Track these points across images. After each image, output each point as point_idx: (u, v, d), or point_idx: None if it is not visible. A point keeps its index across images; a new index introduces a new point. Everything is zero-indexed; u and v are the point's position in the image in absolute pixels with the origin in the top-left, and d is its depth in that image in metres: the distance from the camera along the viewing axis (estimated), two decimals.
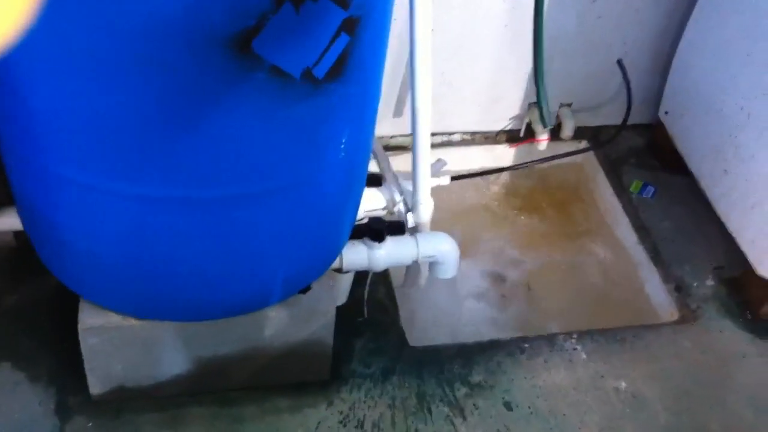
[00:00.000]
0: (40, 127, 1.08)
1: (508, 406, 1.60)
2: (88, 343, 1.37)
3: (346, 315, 1.65)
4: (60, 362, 1.54)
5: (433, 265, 1.65)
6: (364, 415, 1.55)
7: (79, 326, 1.35)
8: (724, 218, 1.91)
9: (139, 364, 1.44)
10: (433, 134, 2.10)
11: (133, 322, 1.36)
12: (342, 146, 1.22)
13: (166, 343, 1.41)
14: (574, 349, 1.73)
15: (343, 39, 1.05)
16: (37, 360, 1.55)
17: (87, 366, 1.42)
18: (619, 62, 2.09)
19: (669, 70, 2.08)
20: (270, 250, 1.28)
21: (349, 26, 1.05)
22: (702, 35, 1.96)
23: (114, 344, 1.39)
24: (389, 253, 1.56)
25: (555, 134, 2.18)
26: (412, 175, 1.62)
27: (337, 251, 1.48)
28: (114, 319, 1.36)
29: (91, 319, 1.35)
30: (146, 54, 0.95)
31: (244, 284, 1.31)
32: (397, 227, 1.63)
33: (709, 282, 1.91)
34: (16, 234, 1.64)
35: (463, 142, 2.19)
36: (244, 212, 1.17)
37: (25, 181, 1.21)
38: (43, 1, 0.88)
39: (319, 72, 1.06)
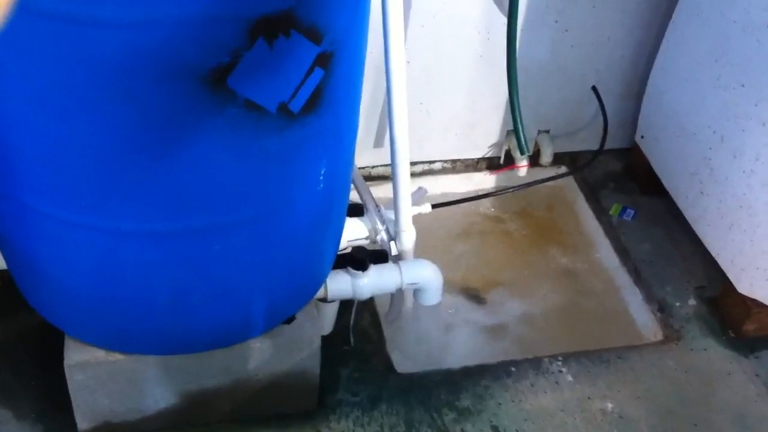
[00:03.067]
0: (12, 162, 1.09)
1: (495, 430, 1.61)
2: (74, 379, 1.38)
3: (332, 344, 1.66)
4: (46, 399, 1.55)
5: (417, 291, 1.67)
6: None
7: (65, 362, 1.36)
8: (703, 238, 1.94)
9: (125, 399, 1.44)
10: (413, 163, 2.14)
11: (117, 356, 1.37)
12: (320, 177, 1.24)
13: (151, 377, 1.41)
14: (560, 371, 1.74)
15: (318, 73, 1.08)
16: (23, 397, 1.56)
17: (74, 402, 1.42)
18: (594, 89, 2.13)
19: (643, 95, 2.12)
20: (249, 281, 1.29)
21: (323, 61, 1.08)
22: (673, 60, 2.00)
23: (100, 379, 1.39)
24: (373, 281, 1.58)
25: (534, 160, 2.21)
26: (393, 204, 1.64)
27: (320, 281, 1.50)
28: (99, 354, 1.36)
29: (76, 355, 1.36)
30: (120, 89, 0.97)
31: (225, 316, 1.32)
32: (381, 256, 1.65)
33: (691, 301, 1.93)
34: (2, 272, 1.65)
35: (443, 171, 2.22)
36: (220, 244, 1.19)
37: (2, 217, 1.22)
38: (14, 36, 0.91)
39: (295, 106, 1.08)
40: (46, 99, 0.99)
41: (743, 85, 1.77)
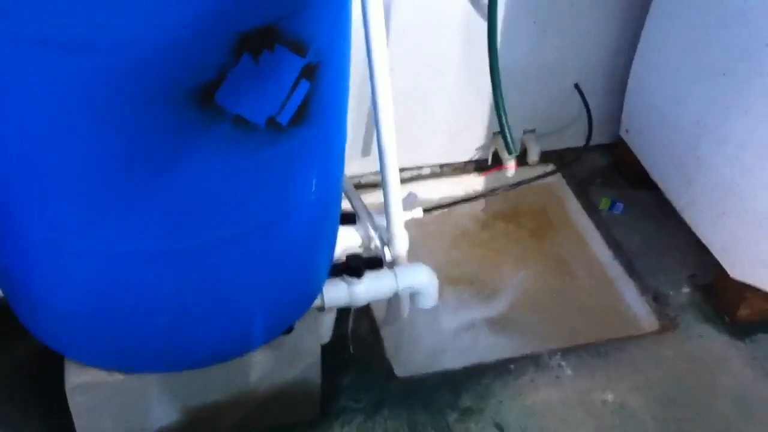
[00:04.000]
0: (6, 190, 1.09)
1: (499, 427, 1.62)
2: (76, 401, 1.38)
3: (331, 352, 1.66)
4: (49, 425, 1.54)
5: (413, 296, 1.68)
6: None
7: (66, 385, 1.36)
8: (693, 227, 1.95)
9: (128, 419, 1.44)
10: (402, 169, 2.14)
11: (118, 376, 1.37)
12: (312, 188, 1.25)
13: (154, 395, 1.42)
14: (560, 365, 1.76)
15: (304, 85, 1.09)
16: (26, 423, 1.56)
17: (76, 425, 1.42)
18: (576, 86, 2.16)
19: (625, 89, 2.14)
20: (248, 295, 1.30)
21: (309, 72, 1.09)
22: (653, 53, 2.02)
23: (102, 400, 1.39)
24: (369, 287, 1.58)
25: (522, 160, 2.23)
26: (385, 210, 1.65)
27: (317, 290, 1.51)
28: (100, 375, 1.36)
29: (77, 378, 1.36)
30: (107, 112, 0.97)
31: (224, 331, 1.33)
32: (375, 262, 1.66)
33: (685, 290, 1.95)
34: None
35: (432, 175, 2.23)
36: (218, 260, 1.19)
37: None
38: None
39: (283, 119, 1.09)
40: (32, 126, 0.99)
41: (724, 74, 1.79)
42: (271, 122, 1.08)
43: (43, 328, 1.35)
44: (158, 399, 1.42)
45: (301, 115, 1.11)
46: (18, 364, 1.65)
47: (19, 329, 1.40)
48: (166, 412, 1.46)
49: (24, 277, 1.25)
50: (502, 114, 1.94)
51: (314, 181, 1.25)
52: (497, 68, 1.89)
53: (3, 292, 1.39)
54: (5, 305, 1.41)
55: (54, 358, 1.40)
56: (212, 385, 1.44)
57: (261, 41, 1.00)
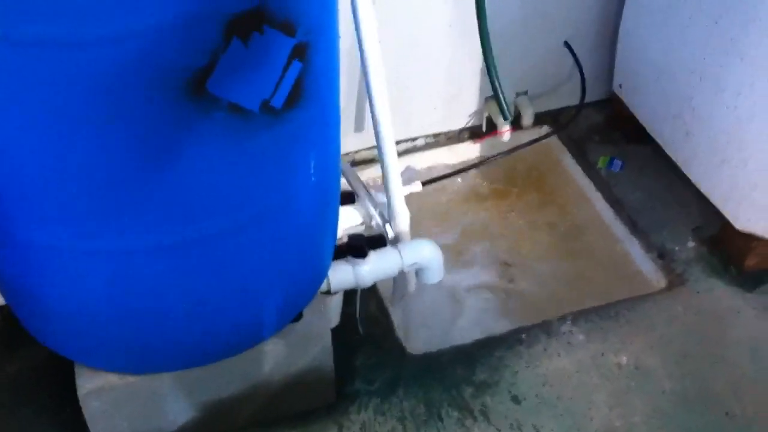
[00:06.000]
0: (3, 195, 1.07)
1: (515, 399, 1.61)
2: (90, 407, 1.36)
3: (341, 335, 1.65)
4: (63, 428, 1.52)
5: (419, 271, 1.66)
6: None
7: (79, 391, 1.34)
8: (694, 180, 1.93)
9: (144, 420, 1.42)
10: (397, 142, 2.12)
11: (131, 379, 1.35)
12: (311, 170, 1.22)
13: (168, 394, 1.40)
14: (571, 331, 1.74)
15: (296, 66, 1.06)
16: (41, 428, 1.53)
17: (92, 430, 1.40)
18: (566, 44, 2.12)
19: (616, 43, 2.11)
20: (255, 283, 1.27)
21: (300, 52, 1.06)
22: (642, 5, 1.99)
23: (116, 404, 1.37)
24: (374, 267, 1.56)
25: (516, 123, 2.20)
26: (384, 187, 1.62)
27: (322, 274, 1.48)
28: (112, 379, 1.34)
29: (89, 383, 1.34)
30: (103, 107, 0.94)
31: (235, 322, 1.31)
32: (379, 240, 1.64)
33: (690, 244, 1.93)
34: (1, 308, 1.62)
35: (427, 146, 2.20)
36: (221, 250, 1.17)
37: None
38: None
39: (277, 102, 1.06)
40: (30, 125, 0.97)
41: (716, 22, 1.76)
42: (266, 107, 1.05)
43: (52, 334, 1.33)
44: (172, 398, 1.41)
45: (294, 97, 1.09)
46: (32, 368, 1.62)
47: (27, 335, 1.37)
48: (182, 410, 1.44)
49: (29, 285, 1.23)
50: (495, 78, 1.90)
51: (313, 163, 1.22)
52: (486, 30, 1.84)
53: (7, 301, 1.36)
54: (10, 314, 1.38)
55: (66, 361, 1.38)
56: (226, 379, 1.42)
57: (249, 24, 0.97)
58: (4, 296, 1.35)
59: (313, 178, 1.23)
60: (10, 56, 0.89)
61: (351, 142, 2.07)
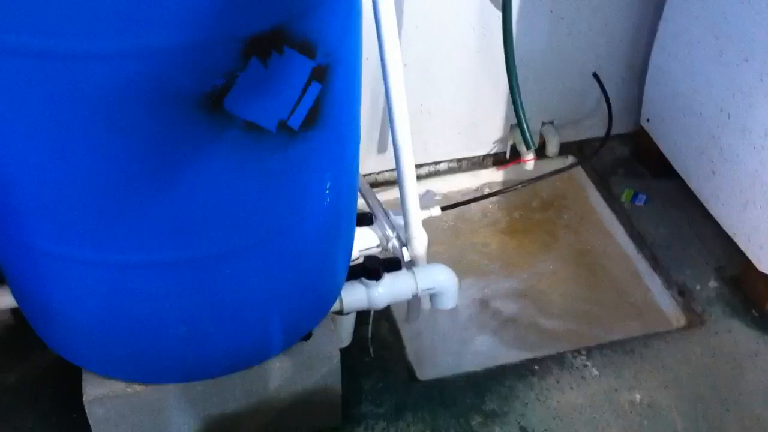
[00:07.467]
0: (12, 203, 1.08)
1: (524, 431, 1.59)
2: (94, 414, 1.37)
3: (352, 356, 1.64)
4: None
5: (433, 296, 1.65)
6: None
7: (84, 398, 1.35)
8: (718, 218, 1.91)
9: (148, 429, 1.43)
10: (419, 165, 2.13)
11: (137, 388, 1.35)
12: (326, 191, 1.22)
13: (173, 406, 1.40)
14: (585, 365, 1.72)
15: (315, 87, 1.06)
16: None
17: None
18: (595, 75, 2.11)
19: (645, 77, 2.10)
20: (263, 302, 1.27)
21: (319, 74, 1.06)
22: (673, 40, 1.97)
23: (121, 412, 1.38)
24: (388, 290, 1.55)
25: (541, 152, 2.19)
26: (402, 210, 1.62)
27: (335, 294, 1.48)
28: (118, 387, 1.35)
29: (95, 390, 1.35)
30: (115, 122, 0.95)
31: (242, 339, 1.31)
32: (394, 263, 1.63)
33: (712, 283, 1.90)
34: (13, 311, 1.64)
35: (450, 170, 2.20)
36: (231, 268, 1.17)
37: (8, 256, 1.21)
38: (3, 76, 0.90)
39: (295, 122, 1.06)
40: (41, 137, 0.97)
41: (746, 60, 1.74)
42: (283, 126, 1.05)
43: (59, 340, 1.34)
44: (177, 409, 1.41)
45: (312, 118, 1.09)
46: (40, 375, 1.64)
47: (38, 339, 1.38)
48: (187, 422, 1.44)
49: (37, 291, 1.24)
50: (519, 107, 1.90)
51: (328, 185, 1.22)
52: (513, 59, 1.85)
53: (18, 305, 1.37)
54: (22, 319, 1.40)
55: (73, 367, 1.38)
56: (232, 394, 1.42)
57: (269, 44, 0.98)
58: (17, 301, 1.36)
59: (327, 199, 1.23)
60: (23, 67, 0.90)
61: (373, 163, 2.07)
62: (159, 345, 1.26)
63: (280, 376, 1.43)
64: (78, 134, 0.96)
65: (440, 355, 1.81)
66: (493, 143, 2.18)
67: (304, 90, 1.05)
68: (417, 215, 1.62)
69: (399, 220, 1.66)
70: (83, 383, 1.36)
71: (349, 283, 1.52)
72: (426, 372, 1.71)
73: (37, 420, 1.57)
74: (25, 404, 1.60)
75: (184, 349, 1.28)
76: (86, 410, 1.37)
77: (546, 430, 1.59)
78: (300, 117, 1.07)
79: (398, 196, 1.61)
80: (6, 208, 1.10)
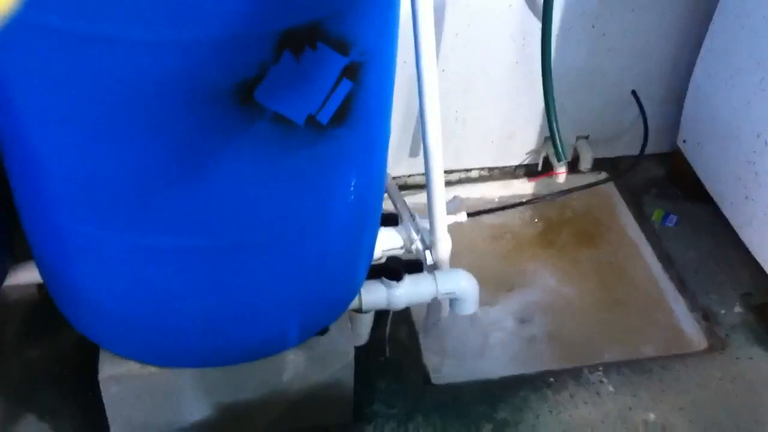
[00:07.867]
0: (47, 182, 1.11)
1: None
2: (109, 392, 1.39)
3: (367, 355, 1.65)
4: (83, 413, 1.56)
5: (453, 301, 1.65)
6: None
7: (100, 375, 1.37)
8: (749, 244, 1.88)
9: (160, 412, 1.45)
10: (450, 171, 2.13)
11: (152, 370, 1.37)
12: (351, 189, 1.23)
13: (186, 390, 1.42)
14: (601, 381, 1.71)
15: (346, 84, 1.07)
16: (61, 412, 1.57)
17: (109, 415, 1.43)
18: (634, 93, 2.09)
19: (684, 98, 2.07)
20: (284, 294, 1.29)
21: (352, 72, 1.07)
22: (715, 63, 1.95)
23: (134, 393, 1.40)
24: (408, 291, 1.56)
25: (573, 166, 2.18)
26: (428, 213, 1.63)
27: (354, 292, 1.49)
28: (133, 367, 1.37)
29: (110, 369, 1.37)
30: (148, 109, 0.97)
31: (260, 329, 1.32)
32: (416, 266, 1.64)
33: (737, 309, 1.88)
34: (39, 287, 1.67)
35: (481, 178, 2.20)
36: (254, 259, 1.19)
37: (39, 235, 1.24)
38: (47, 59, 0.92)
39: (323, 118, 1.07)
40: (77, 121, 1.00)
41: None
42: (311, 121, 1.06)
43: (80, 317, 1.37)
44: (191, 394, 1.43)
45: (342, 115, 1.10)
46: (62, 352, 1.66)
47: (61, 316, 1.41)
48: (198, 408, 1.46)
49: (64, 268, 1.27)
50: (553, 119, 1.90)
51: (353, 183, 1.23)
52: (550, 72, 1.84)
53: (44, 280, 1.40)
54: (47, 295, 1.43)
55: (93, 347, 1.41)
56: (245, 382, 1.44)
57: (303, 39, 0.98)
58: (44, 278, 1.39)
59: (352, 197, 1.24)
60: (65, 52, 0.92)
61: (405, 166, 2.08)
62: (178, 329, 1.28)
63: (294, 368, 1.44)
64: (114, 120, 0.98)
65: (457, 360, 1.81)
66: (526, 154, 2.18)
67: (335, 86, 1.06)
68: (443, 220, 1.63)
69: (424, 224, 1.67)
70: (100, 362, 1.39)
71: (370, 281, 1.53)
72: (441, 376, 1.71)
73: (56, 396, 1.59)
74: (45, 379, 1.62)
75: (201, 335, 1.30)
76: (101, 388, 1.39)
77: None
78: (329, 113, 1.08)
79: (426, 200, 1.62)
80: (42, 190, 1.13)
